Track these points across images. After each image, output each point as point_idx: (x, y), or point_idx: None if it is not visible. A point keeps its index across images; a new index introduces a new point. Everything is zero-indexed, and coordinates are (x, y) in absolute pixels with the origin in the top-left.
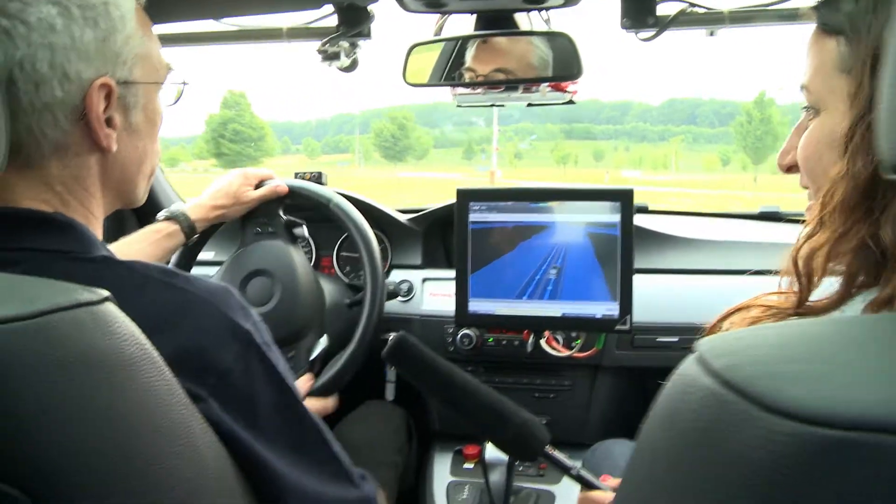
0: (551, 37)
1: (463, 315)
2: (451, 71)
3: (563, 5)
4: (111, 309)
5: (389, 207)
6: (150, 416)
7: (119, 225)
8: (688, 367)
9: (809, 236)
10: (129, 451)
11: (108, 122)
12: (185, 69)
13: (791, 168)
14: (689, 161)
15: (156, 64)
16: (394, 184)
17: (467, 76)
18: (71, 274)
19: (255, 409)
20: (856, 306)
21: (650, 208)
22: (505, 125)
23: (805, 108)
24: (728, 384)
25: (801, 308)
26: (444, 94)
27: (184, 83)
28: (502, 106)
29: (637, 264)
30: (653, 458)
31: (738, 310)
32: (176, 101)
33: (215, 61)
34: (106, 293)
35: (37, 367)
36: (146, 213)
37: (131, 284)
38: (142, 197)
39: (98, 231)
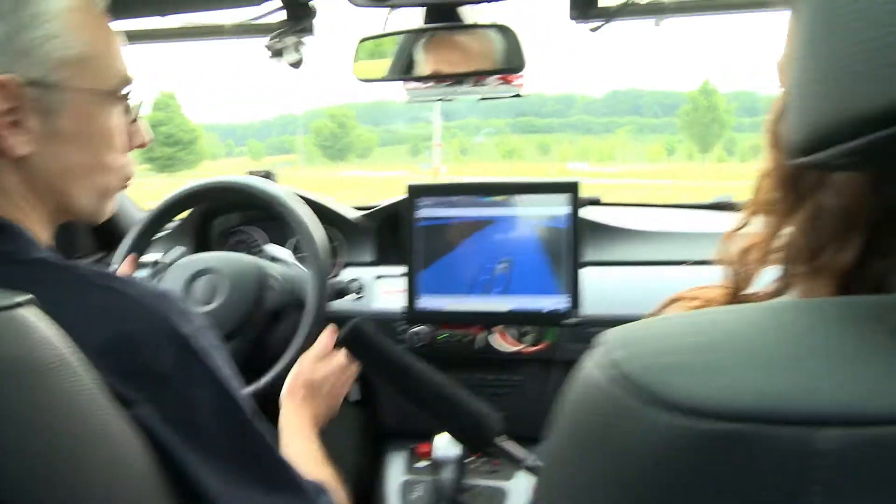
0: (494, 29)
1: (413, 312)
2: (407, 65)
3: None
4: (27, 313)
5: (342, 204)
6: (68, 423)
7: (69, 238)
8: (590, 360)
9: (737, 229)
10: (45, 459)
11: (18, 126)
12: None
13: None
14: (635, 151)
15: (100, 71)
16: (335, 183)
17: (428, 70)
18: (4, 276)
19: (193, 415)
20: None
21: (602, 200)
22: (450, 121)
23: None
24: (619, 377)
25: (737, 300)
26: (394, 90)
27: (140, 102)
28: (451, 100)
29: (589, 257)
30: (557, 453)
31: (676, 300)
32: (133, 120)
33: (148, 61)
34: (23, 297)
35: None
36: (103, 226)
37: (67, 286)
38: (91, 212)
39: (41, 236)
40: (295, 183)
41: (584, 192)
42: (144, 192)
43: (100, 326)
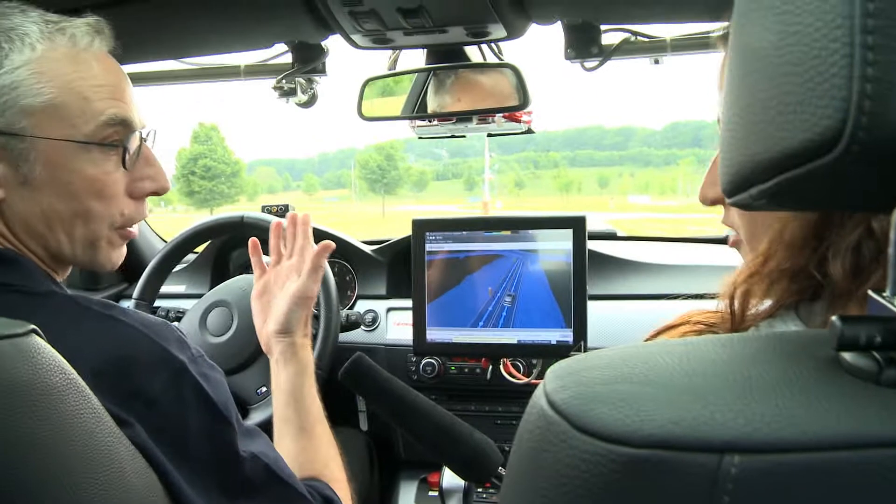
0: (498, 68)
1: (421, 344)
2: (422, 104)
3: (507, 38)
4: (35, 341)
5: (355, 239)
6: (74, 444)
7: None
8: (536, 390)
9: (752, 273)
10: (54, 478)
11: None
12: (148, 128)
13: (715, 202)
14: (697, 184)
15: (72, 118)
16: (374, 220)
17: (434, 108)
18: (13, 306)
19: (184, 438)
20: (781, 319)
21: (618, 235)
22: (507, 154)
23: None
24: (553, 405)
25: (733, 330)
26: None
27: (139, 144)
28: (463, 136)
29: (598, 290)
30: (508, 477)
31: (670, 328)
32: (125, 166)
33: (200, 98)
34: (31, 326)
35: None
36: (126, 258)
37: (70, 316)
38: (86, 261)
39: (53, 271)
40: (340, 217)
41: (644, 229)
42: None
43: (96, 351)
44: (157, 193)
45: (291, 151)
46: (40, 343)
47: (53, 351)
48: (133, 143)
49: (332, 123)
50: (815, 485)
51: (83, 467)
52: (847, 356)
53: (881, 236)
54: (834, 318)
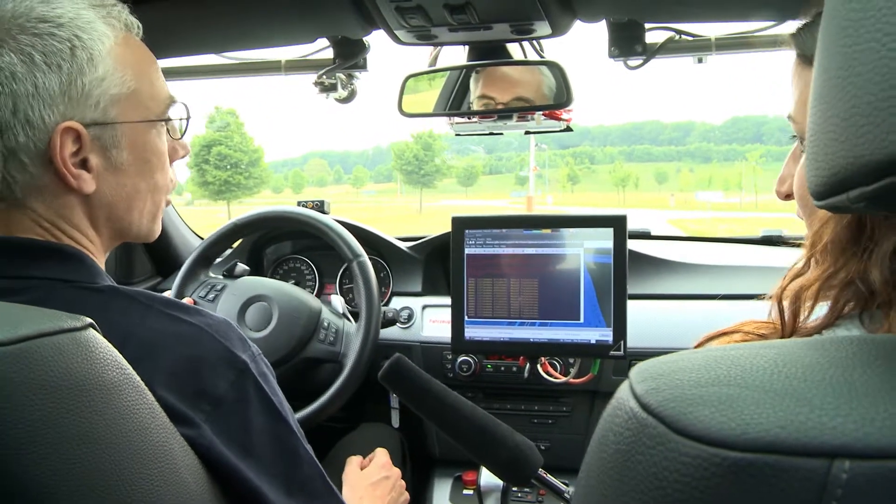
0: (541, 66)
1: (459, 341)
2: (455, 100)
3: (551, 36)
4: (93, 335)
5: (390, 236)
6: (129, 439)
7: (128, 263)
8: (620, 392)
9: (797, 274)
10: (109, 473)
11: (84, 164)
12: (191, 102)
13: (789, 196)
14: (764, 181)
15: (146, 101)
16: (411, 218)
17: (481, 104)
18: (77, 302)
19: (249, 436)
20: (846, 327)
21: (652, 234)
22: (563, 148)
23: (792, 136)
24: (647, 408)
25: (785, 335)
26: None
27: (187, 118)
28: (500, 134)
29: (635, 290)
30: (587, 479)
31: (722, 335)
32: (181, 137)
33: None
34: (88, 320)
35: (19, 390)
36: (158, 250)
37: (136, 313)
38: (146, 232)
39: (100, 263)
40: (381, 212)
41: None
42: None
43: (165, 351)
44: (183, 156)
45: (347, 144)
46: (97, 337)
47: (110, 346)
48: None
49: (383, 118)
50: None
51: (137, 463)
52: None
53: None
54: None
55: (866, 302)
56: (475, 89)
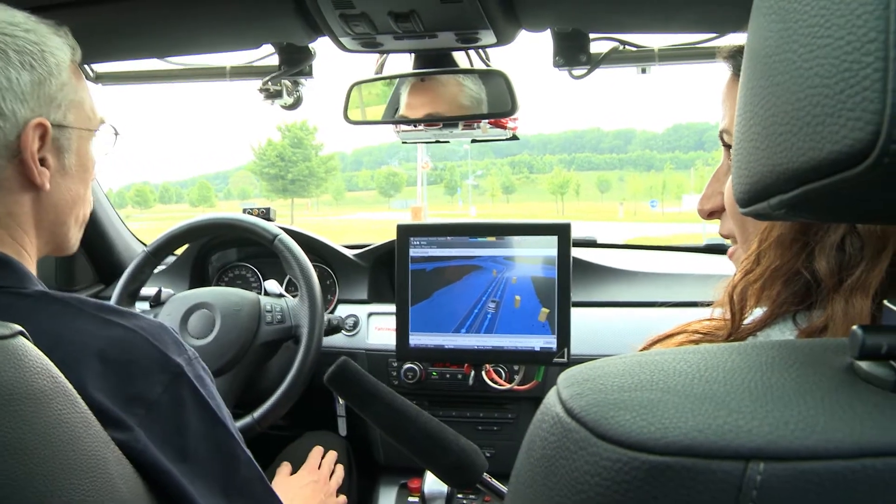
0: (486, 74)
1: (403, 349)
2: (399, 109)
3: (496, 45)
4: (23, 343)
5: (336, 243)
6: (61, 449)
7: (68, 270)
8: (548, 397)
9: (746, 272)
10: (39, 485)
11: (42, 162)
12: (114, 121)
13: (713, 214)
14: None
15: (88, 113)
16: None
17: (420, 113)
18: (5, 309)
19: (184, 440)
20: (779, 328)
21: (598, 242)
22: (499, 157)
23: (728, 147)
24: (571, 412)
25: (731, 337)
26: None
27: (115, 133)
28: (447, 142)
29: (581, 297)
30: (516, 485)
31: (666, 337)
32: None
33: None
34: (17, 328)
35: None
36: (100, 257)
37: (67, 317)
38: (73, 244)
39: (32, 269)
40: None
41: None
42: None
43: (97, 354)
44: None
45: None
46: (27, 345)
47: (41, 354)
48: None
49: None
50: (837, 492)
51: (68, 474)
52: (864, 365)
53: (865, 234)
54: (855, 327)
55: (803, 298)
56: (415, 100)
